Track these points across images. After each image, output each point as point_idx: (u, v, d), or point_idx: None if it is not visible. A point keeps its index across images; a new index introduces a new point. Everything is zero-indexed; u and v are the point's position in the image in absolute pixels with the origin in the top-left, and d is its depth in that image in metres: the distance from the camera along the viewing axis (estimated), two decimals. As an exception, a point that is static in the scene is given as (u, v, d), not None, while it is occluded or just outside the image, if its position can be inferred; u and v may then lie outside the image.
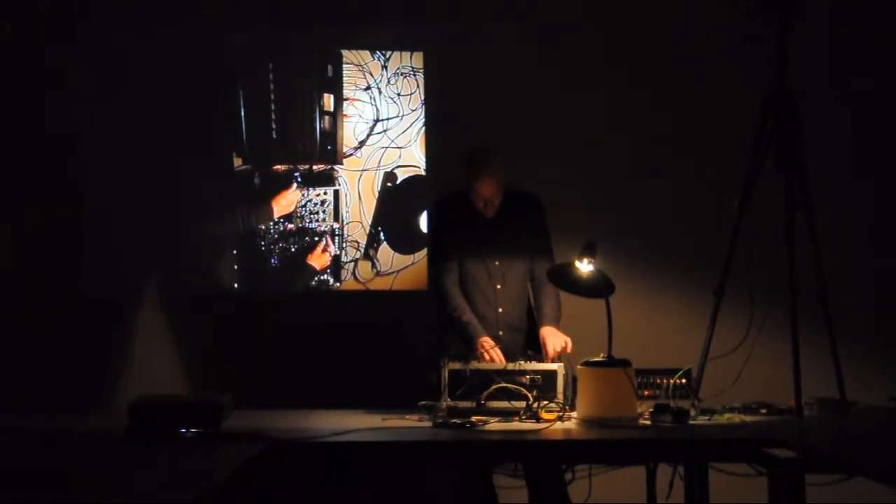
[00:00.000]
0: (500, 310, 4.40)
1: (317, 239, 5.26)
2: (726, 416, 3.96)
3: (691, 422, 3.83)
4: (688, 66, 5.17)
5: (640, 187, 5.19)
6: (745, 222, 4.26)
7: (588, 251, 4.06)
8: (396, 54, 5.30)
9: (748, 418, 3.95)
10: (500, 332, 4.34)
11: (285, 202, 5.24)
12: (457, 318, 4.33)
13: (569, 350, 4.18)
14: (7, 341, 5.04)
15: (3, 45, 5.11)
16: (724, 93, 5.08)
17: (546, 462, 3.72)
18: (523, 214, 4.43)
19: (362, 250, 5.29)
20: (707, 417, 3.90)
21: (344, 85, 5.29)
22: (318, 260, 5.26)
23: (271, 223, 5.27)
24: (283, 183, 5.28)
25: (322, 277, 5.29)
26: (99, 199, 5.20)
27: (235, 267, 5.27)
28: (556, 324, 4.33)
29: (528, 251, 4.40)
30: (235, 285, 5.28)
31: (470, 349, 4.23)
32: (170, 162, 5.21)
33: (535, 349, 4.28)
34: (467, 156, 4.38)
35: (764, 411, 4.06)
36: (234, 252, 5.27)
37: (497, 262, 4.41)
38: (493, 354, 4.20)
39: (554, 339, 4.24)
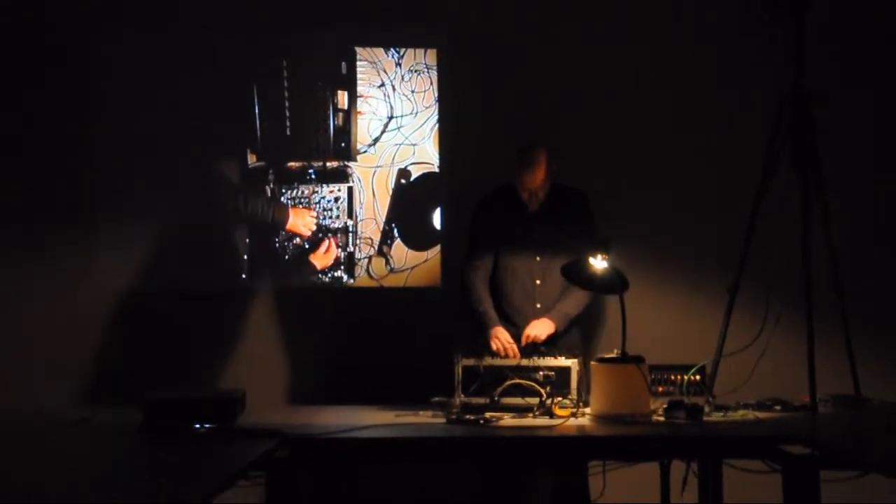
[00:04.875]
0: (539, 305, 4.40)
1: (320, 236, 5.26)
2: (741, 412, 3.94)
3: (705, 418, 3.81)
4: (704, 64, 5.15)
5: (655, 184, 5.17)
6: (761, 218, 4.24)
7: (602, 247, 4.05)
8: (410, 51, 5.30)
9: (762, 415, 3.94)
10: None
11: (326, 256, 5.24)
12: (474, 308, 4.35)
13: (536, 338, 4.20)
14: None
15: (20, 45, 5.13)
16: (741, 91, 5.05)
17: (569, 459, 3.72)
18: (568, 210, 4.44)
19: (376, 247, 5.30)
20: (721, 414, 3.89)
21: (358, 82, 5.30)
22: (320, 259, 5.26)
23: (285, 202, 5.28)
24: (296, 179, 5.28)
25: (336, 274, 5.29)
26: (113, 195, 5.22)
27: (248, 262, 5.28)
28: (557, 319, 4.31)
29: (573, 247, 4.37)
30: (249, 281, 5.29)
31: (484, 339, 4.23)
32: (185, 158, 5.22)
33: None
34: (517, 149, 4.39)
35: (778, 408, 4.04)
36: (247, 248, 5.28)
37: (538, 258, 4.41)
38: (505, 346, 4.19)
39: (534, 327, 4.23)
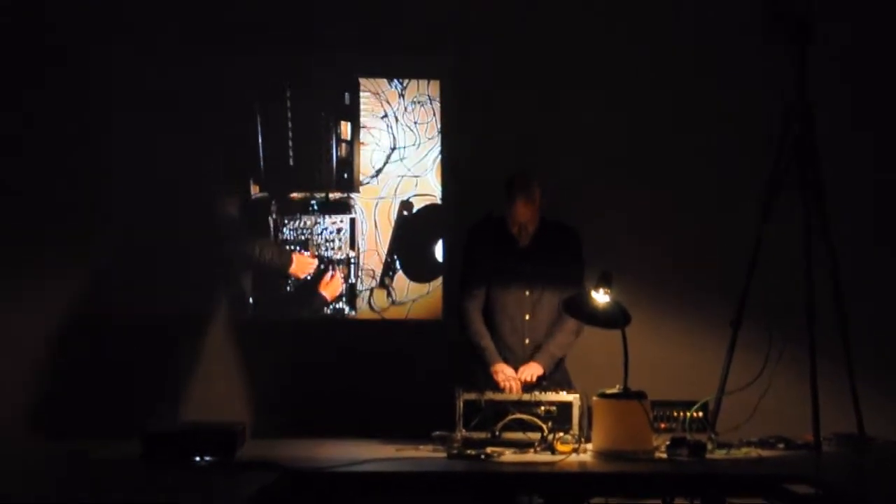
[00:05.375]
0: (528, 340, 4.37)
1: (322, 267, 5.26)
2: (744, 450, 3.92)
3: (708, 456, 3.79)
4: (706, 92, 5.15)
5: (658, 218, 5.17)
6: (763, 253, 4.24)
7: (604, 282, 4.04)
8: (413, 83, 5.31)
9: (766, 453, 3.91)
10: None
11: (333, 284, 5.24)
12: (475, 343, 4.33)
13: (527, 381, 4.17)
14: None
15: (20, 63, 5.13)
16: (742, 122, 5.06)
17: (567, 496, 3.69)
18: (558, 246, 4.40)
19: (378, 279, 5.29)
20: (724, 451, 3.87)
21: (361, 113, 5.31)
22: (328, 289, 5.26)
23: (289, 248, 5.28)
24: (299, 210, 5.28)
25: (337, 306, 5.28)
26: (117, 224, 5.21)
27: (251, 294, 5.27)
28: (544, 362, 4.28)
29: (561, 283, 4.36)
30: (250, 312, 5.27)
31: (486, 374, 4.21)
32: (189, 187, 5.21)
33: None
34: (506, 179, 4.36)
35: (782, 446, 4.02)
36: (250, 279, 5.27)
37: (528, 293, 4.38)
38: (510, 382, 4.17)
39: (524, 372, 4.22)
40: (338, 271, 5.26)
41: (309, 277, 5.28)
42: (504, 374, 4.24)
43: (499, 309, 4.39)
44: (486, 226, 4.47)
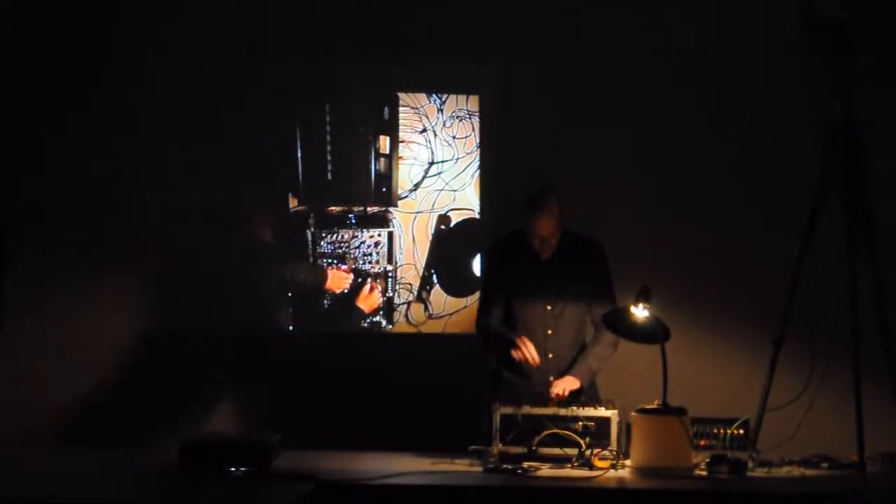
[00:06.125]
0: (551, 355, 4.32)
1: (360, 280, 5.25)
2: (785, 468, 3.86)
3: (749, 474, 3.73)
4: (750, 109, 5.11)
5: (699, 232, 5.12)
6: (807, 269, 4.17)
7: (643, 296, 4.00)
8: (452, 97, 5.31)
9: (809, 472, 3.84)
10: (551, 378, 4.26)
11: (371, 297, 5.24)
12: (494, 330, 4.30)
13: (560, 395, 4.11)
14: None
15: (64, 82, 5.20)
16: (787, 135, 5.01)
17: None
18: (582, 259, 4.35)
19: (415, 293, 5.28)
20: (766, 470, 3.81)
21: (400, 127, 5.31)
22: (366, 302, 5.25)
23: (325, 262, 5.28)
24: (336, 224, 5.29)
25: (374, 319, 5.28)
26: (155, 237, 5.25)
27: (290, 308, 5.28)
28: (582, 376, 4.22)
29: (586, 296, 4.32)
30: (290, 327, 5.28)
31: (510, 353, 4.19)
32: (230, 202, 5.25)
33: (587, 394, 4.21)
34: (526, 195, 4.34)
35: (825, 465, 3.95)
36: (289, 293, 5.28)
37: (549, 307, 4.34)
38: (527, 351, 4.13)
39: (559, 385, 4.16)
40: (376, 284, 5.26)
41: (346, 291, 5.28)
42: (523, 341, 4.18)
43: (521, 324, 4.34)
44: (507, 241, 4.44)
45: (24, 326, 4.79)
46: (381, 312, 5.29)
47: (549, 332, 4.33)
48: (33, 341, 5.07)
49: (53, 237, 5.18)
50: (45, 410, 5.07)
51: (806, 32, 4.14)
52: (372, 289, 5.26)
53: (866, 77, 4.20)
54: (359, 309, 5.27)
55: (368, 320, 5.27)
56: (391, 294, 5.29)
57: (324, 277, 5.28)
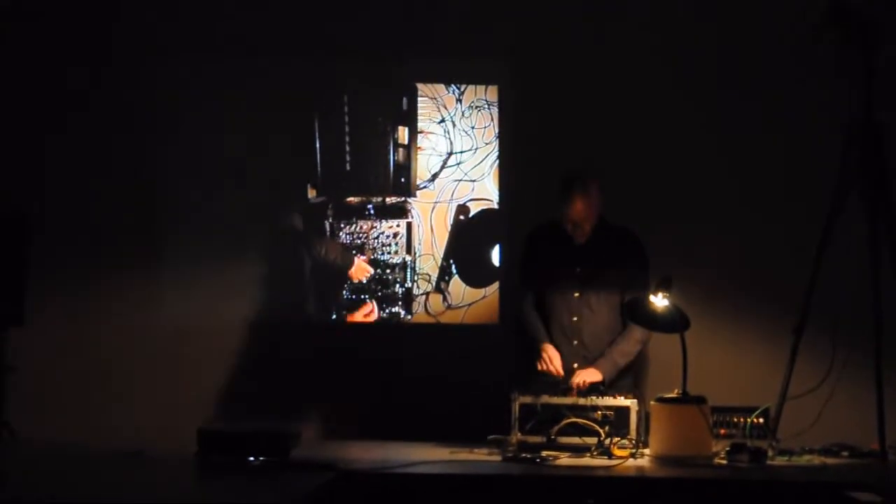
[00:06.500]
0: (576, 342, 4.32)
1: (364, 297, 5.26)
2: (805, 457, 3.84)
3: (769, 462, 3.73)
4: (770, 97, 5.07)
5: (718, 220, 5.09)
6: (828, 256, 4.14)
7: (664, 285, 3.99)
8: (471, 88, 5.30)
9: (829, 460, 3.83)
10: (575, 365, 4.26)
11: (364, 319, 5.28)
12: (526, 322, 4.34)
13: (581, 386, 4.11)
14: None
15: (80, 82, 5.22)
16: (808, 124, 4.96)
17: (624, 501, 3.64)
18: (616, 248, 4.33)
19: (434, 283, 5.28)
20: (786, 458, 3.80)
21: (418, 118, 5.31)
22: (355, 316, 5.27)
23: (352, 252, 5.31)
24: (355, 214, 5.30)
25: (393, 310, 5.28)
26: (174, 228, 5.27)
27: (310, 297, 5.29)
28: (604, 369, 4.21)
29: (618, 286, 4.29)
30: (308, 315, 5.30)
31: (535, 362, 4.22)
32: (247, 191, 5.26)
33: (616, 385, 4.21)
34: (562, 177, 4.31)
35: (846, 454, 3.93)
36: (308, 282, 5.30)
37: (577, 294, 4.33)
38: (551, 366, 4.15)
39: (580, 375, 4.16)
40: (375, 308, 5.25)
41: (364, 281, 5.29)
42: (548, 353, 4.20)
43: (548, 310, 4.35)
44: (544, 228, 4.45)
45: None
46: (400, 303, 5.27)
47: (575, 318, 4.33)
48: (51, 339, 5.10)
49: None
50: (70, 404, 5.10)
51: (828, 24, 4.11)
52: (370, 313, 5.25)
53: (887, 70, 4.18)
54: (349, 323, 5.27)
55: (387, 311, 5.26)
56: (409, 285, 5.29)
57: (350, 262, 5.28)
